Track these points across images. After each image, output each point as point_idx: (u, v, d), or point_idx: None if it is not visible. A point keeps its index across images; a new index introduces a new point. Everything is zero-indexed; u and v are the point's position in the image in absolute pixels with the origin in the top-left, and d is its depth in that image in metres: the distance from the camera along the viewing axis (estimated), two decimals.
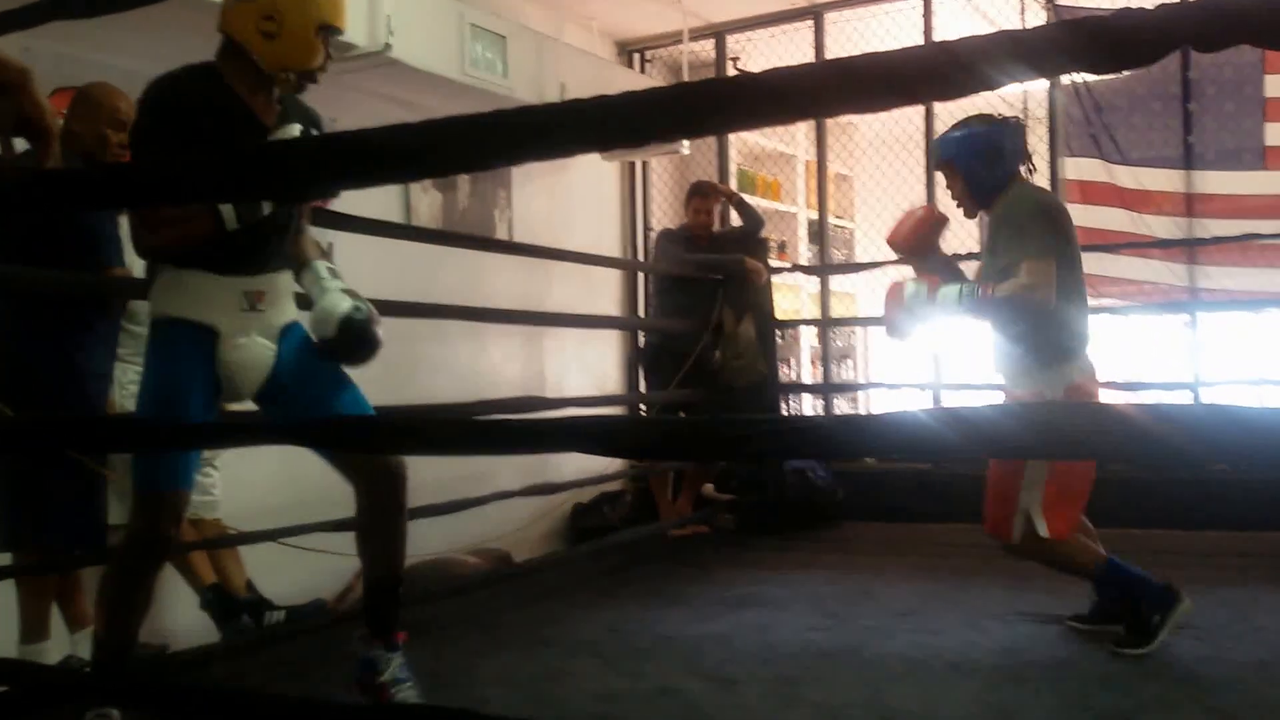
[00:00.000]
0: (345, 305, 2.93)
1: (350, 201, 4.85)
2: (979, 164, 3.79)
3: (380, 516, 3.12)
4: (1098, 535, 4.00)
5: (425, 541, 5.08)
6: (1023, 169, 3.83)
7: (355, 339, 2.94)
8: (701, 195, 6.47)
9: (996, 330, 3.75)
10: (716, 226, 6.69)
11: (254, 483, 4.62)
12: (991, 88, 1.51)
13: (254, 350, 2.89)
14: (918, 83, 1.52)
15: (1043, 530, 3.65)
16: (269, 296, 2.93)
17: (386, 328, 4.65)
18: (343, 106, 5.22)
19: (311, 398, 3.01)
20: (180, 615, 4.37)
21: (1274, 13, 1.24)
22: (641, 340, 7.11)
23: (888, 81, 1.54)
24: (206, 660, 3.73)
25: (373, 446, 2.38)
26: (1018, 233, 3.60)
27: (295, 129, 2.98)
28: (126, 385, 4.00)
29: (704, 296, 6.39)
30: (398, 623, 3.11)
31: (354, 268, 5.33)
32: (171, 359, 2.84)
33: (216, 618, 4.15)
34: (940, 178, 4.01)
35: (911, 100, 1.62)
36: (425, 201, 5.96)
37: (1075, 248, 3.74)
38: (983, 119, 3.94)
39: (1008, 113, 7.08)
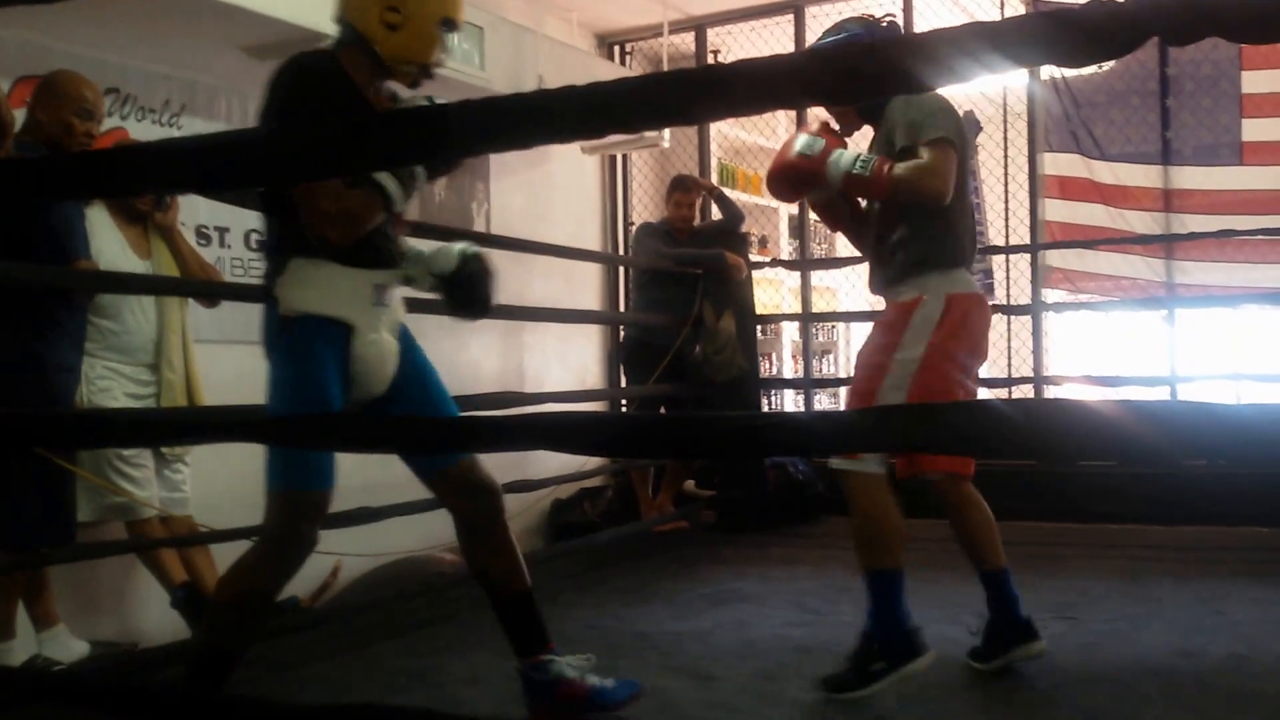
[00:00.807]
0: (461, 245, 2.95)
1: None
2: None
3: (489, 534, 3.11)
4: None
5: (400, 539, 5.06)
6: None
7: (474, 274, 2.91)
8: (683, 189, 6.44)
9: (880, 225, 3.32)
10: (697, 221, 6.67)
11: (224, 479, 4.57)
12: (967, 78, 1.51)
13: (384, 346, 2.84)
14: (894, 73, 1.50)
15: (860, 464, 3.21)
16: (391, 291, 2.88)
17: None
18: None
19: (423, 400, 3.00)
20: (151, 614, 4.33)
21: (1244, 6, 1.23)
22: (622, 335, 7.08)
23: (864, 72, 1.53)
24: (177, 659, 3.68)
25: (333, 445, 2.33)
26: (921, 120, 3.16)
27: None
28: (95, 380, 3.96)
29: (684, 291, 6.37)
30: (545, 627, 3.07)
31: None
32: (309, 356, 2.74)
33: (188, 616, 4.11)
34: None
35: (890, 90, 1.61)
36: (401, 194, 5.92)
37: (967, 157, 3.31)
38: (860, 20, 3.39)
39: (989, 109, 7.14)
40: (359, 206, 2.66)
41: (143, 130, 4.61)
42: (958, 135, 3.19)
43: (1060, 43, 1.35)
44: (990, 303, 6.85)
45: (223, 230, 4.94)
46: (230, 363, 4.74)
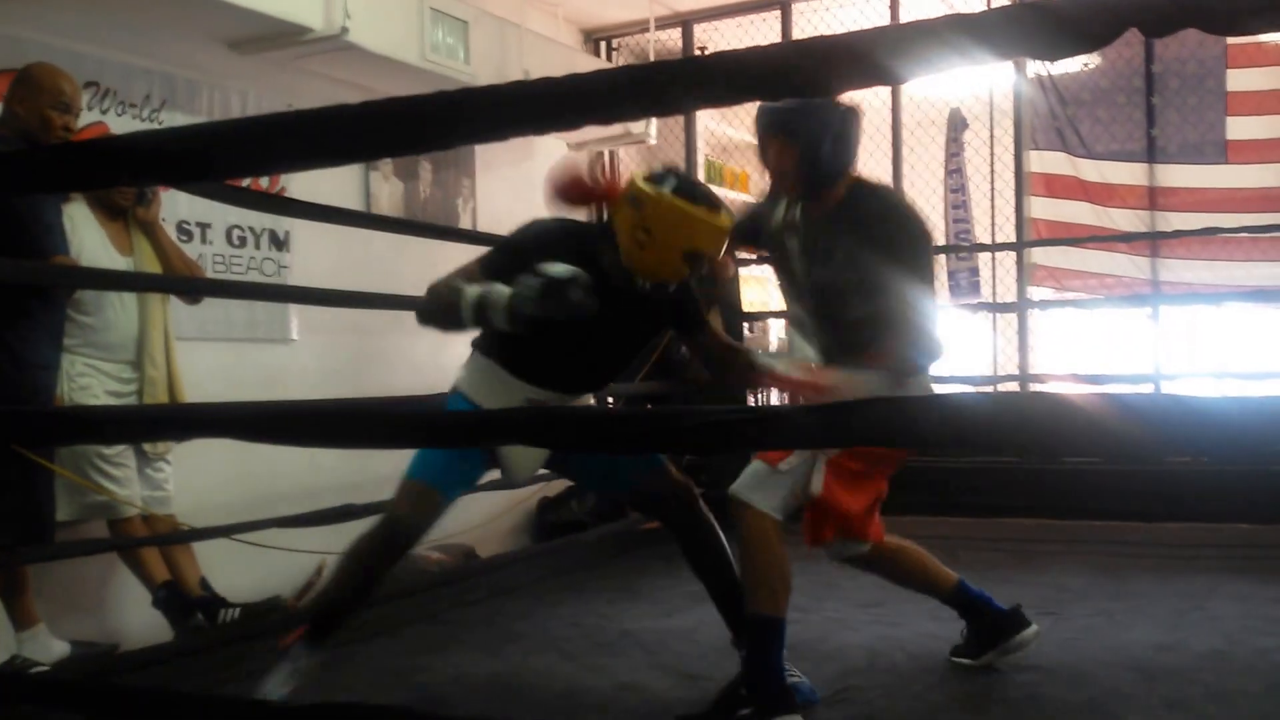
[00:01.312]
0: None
1: (308, 189, 4.80)
2: (825, 143, 3.03)
3: (694, 541, 3.25)
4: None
5: None
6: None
7: (554, 288, 2.70)
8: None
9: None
10: None
11: (207, 479, 4.56)
12: (945, 70, 1.50)
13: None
14: (878, 63, 1.50)
15: (816, 487, 3.12)
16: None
17: (345, 318, 4.61)
18: (299, 92, 5.18)
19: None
20: (132, 614, 4.30)
21: None
22: None
23: (842, 62, 1.52)
24: (159, 660, 3.66)
25: (307, 440, 2.31)
26: (891, 251, 3.00)
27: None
28: (75, 377, 3.93)
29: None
30: None
31: (311, 257, 5.30)
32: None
33: (170, 616, 4.08)
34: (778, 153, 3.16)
35: (872, 81, 1.60)
36: (386, 190, 5.90)
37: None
38: (825, 100, 3.10)
39: (976, 107, 7.14)
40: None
41: (122, 125, 4.58)
42: (931, 260, 3.10)
43: (1038, 34, 1.35)
44: (976, 300, 6.90)
45: (204, 226, 4.91)
46: (210, 360, 4.73)
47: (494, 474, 4.93)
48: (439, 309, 2.89)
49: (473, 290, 2.73)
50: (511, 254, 2.94)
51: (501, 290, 2.70)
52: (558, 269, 2.68)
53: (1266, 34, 5.65)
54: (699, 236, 2.83)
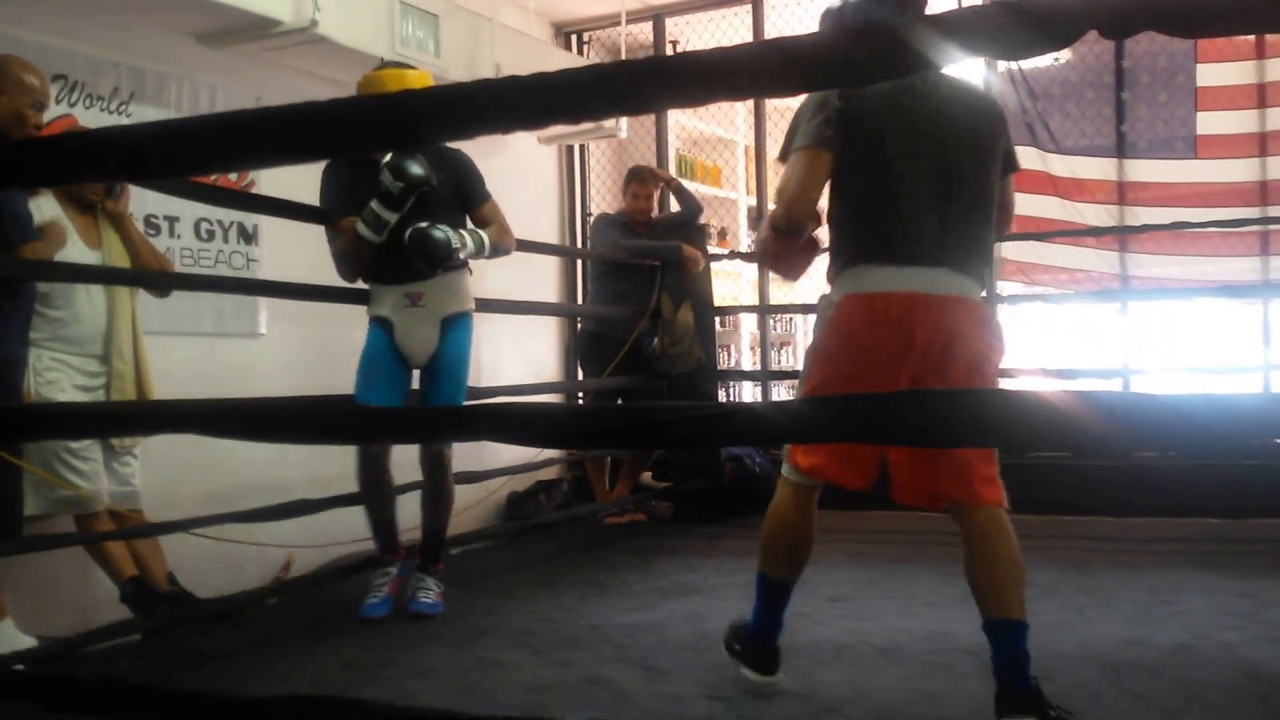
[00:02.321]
0: (429, 226, 3.91)
1: (278, 184, 4.77)
2: None
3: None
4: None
5: (352, 532, 5.02)
6: None
7: (416, 240, 3.89)
8: (640, 180, 6.43)
9: (977, 234, 2.97)
10: (655, 212, 6.66)
11: (175, 473, 4.53)
12: (915, 70, 1.52)
13: (415, 334, 4.14)
14: (842, 64, 1.51)
15: (788, 471, 3.07)
16: (428, 295, 4.11)
17: (315, 311, 4.59)
18: (268, 85, 5.15)
19: (429, 386, 4.22)
20: (101, 609, 4.26)
21: (1180, 1, 1.24)
22: (578, 328, 7.05)
23: (812, 63, 1.53)
24: (125, 654, 3.65)
25: (266, 436, 2.30)
26: (789, 135, 2.97)
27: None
28: (43, 372, 3.90)
29: (641, 283, 6.36)
30: None
31: (280, 250, 5.27)
32: (370, 340, 4.19)
33: (137, 611, 4.06)
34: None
35: (843, 81, 1.61)
36: None
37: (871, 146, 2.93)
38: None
39: None
40: (343, 251, 4.10)
41: (91, 118, 4.54)
42: (823, 137, 2.85)
43: (1002, 33, 1.36)
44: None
45: (172, 220, 4.88)
46: (178, 355, 4.70)
47: (462, 466, 4.97)
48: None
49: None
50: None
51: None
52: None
53: (1243, 34, 5.69)
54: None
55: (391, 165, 3.84)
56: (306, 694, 2.53)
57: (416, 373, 4.33)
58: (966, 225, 2.87)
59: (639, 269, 6.37)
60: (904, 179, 2.85)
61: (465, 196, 4.15)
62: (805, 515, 3.06)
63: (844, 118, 2.84)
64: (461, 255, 4.03)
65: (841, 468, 2.95)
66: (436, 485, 4.32)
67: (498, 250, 4.22)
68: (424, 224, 3.88)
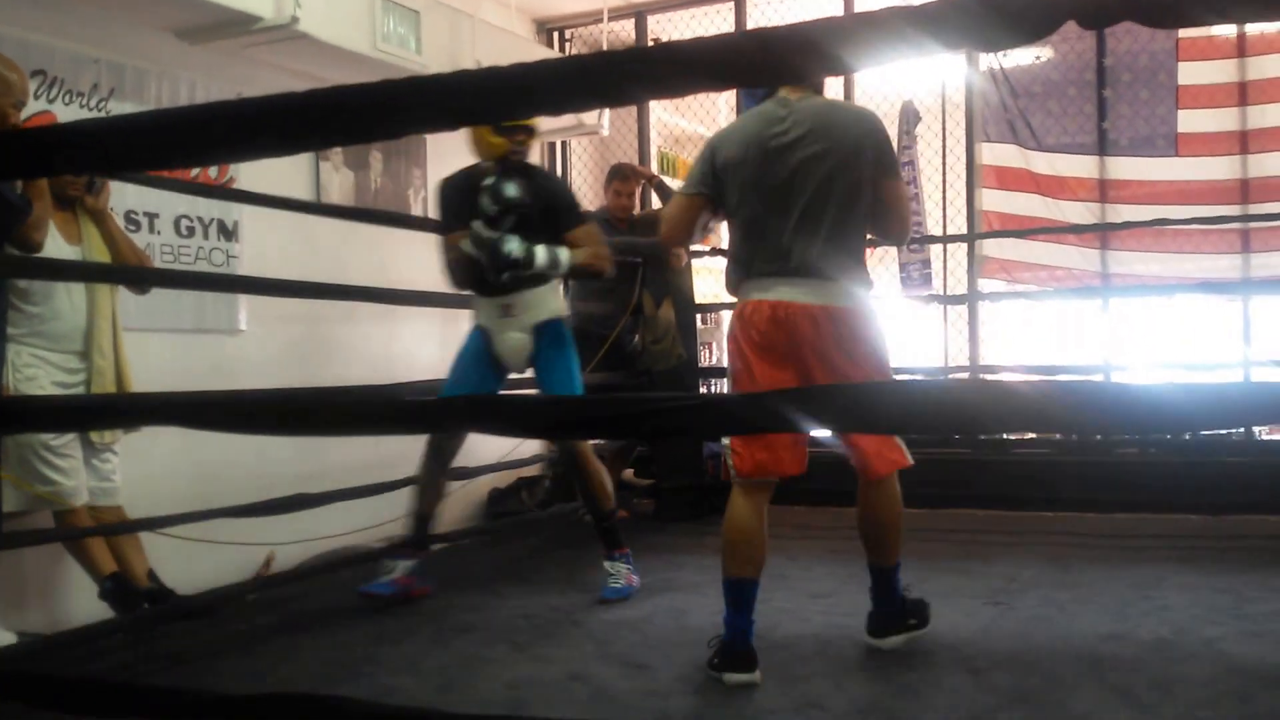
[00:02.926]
0: (499, 237, 4.13)
1: (257, 179, 4.76)
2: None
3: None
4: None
5: (334, 528, 5.01)
6: None
7: (488, 251, 4.14)
8: (621, 178, 6.42)
9: (838, 245, 3.36)
10: (636, 210, 6.64)
11: (155, 470, 4.51)
12: (891, 60, 1.52)
13: (512, 341, 4.45)
14: (826, 52, 1.51)
15: (736, 478, 3.40)
16: (518, 306, 4.41)
17: (295, 308, 4.57)
18: (249, 82, 5.13)
19: (540, 379, 4.55)
20: (81, 605, 4.24)
21: None
22: None
23: (788, 53, 1.53)
24: (105, 651, 3.63)
25: (247, 428, 2.29)
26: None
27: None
28: (21, 368, 3.88)
29: (622, 279, 6.34)
30: None
31: (260, 247, 5.26)
32: (466, 342, 4.56)
33: (116, 608, 4.04)
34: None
35: (821, 71, 1.61)
36: (336, 180, 5.85)
37: (731, 188, 3.46)
38: None
39: (929, 100, 7.17)
40: (451, 263, 4.40)
41: (70, 114, 4.51)
42: (699, 181, 3.43)
43: (980, 24, 1.36)
44: (928, 292, 6.94)
45: (152, 216, 4.86)
46: (158, 351, 4.68)
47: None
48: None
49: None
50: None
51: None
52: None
53: (1204, 27, 5.72)
54: None
55: (490, 188, 4.15)
56: (286, 691, 2.54)
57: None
58: (819, 238, 3.27)
59: (620, 266, 6.36)
60: (756, 209, 3.34)
61: (555, 220, 4.32)
62: (759, 515, 3.38)
63: (714, 166, 3.41)
64: (536, 267, 4.20)
65: (783, 459, 3.34)
66: (581, 480, 4.60)
67: (582, 270, 4.43)
68: (499, 235, 4.13)
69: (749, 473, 3.33)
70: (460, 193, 4.41)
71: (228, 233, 5.18)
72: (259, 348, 5.32)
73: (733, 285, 3.51)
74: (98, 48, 4.67)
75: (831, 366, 3.25)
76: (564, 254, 4.27)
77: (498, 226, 4.14)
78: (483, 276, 4.26)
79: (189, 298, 4.95)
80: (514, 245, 4.12)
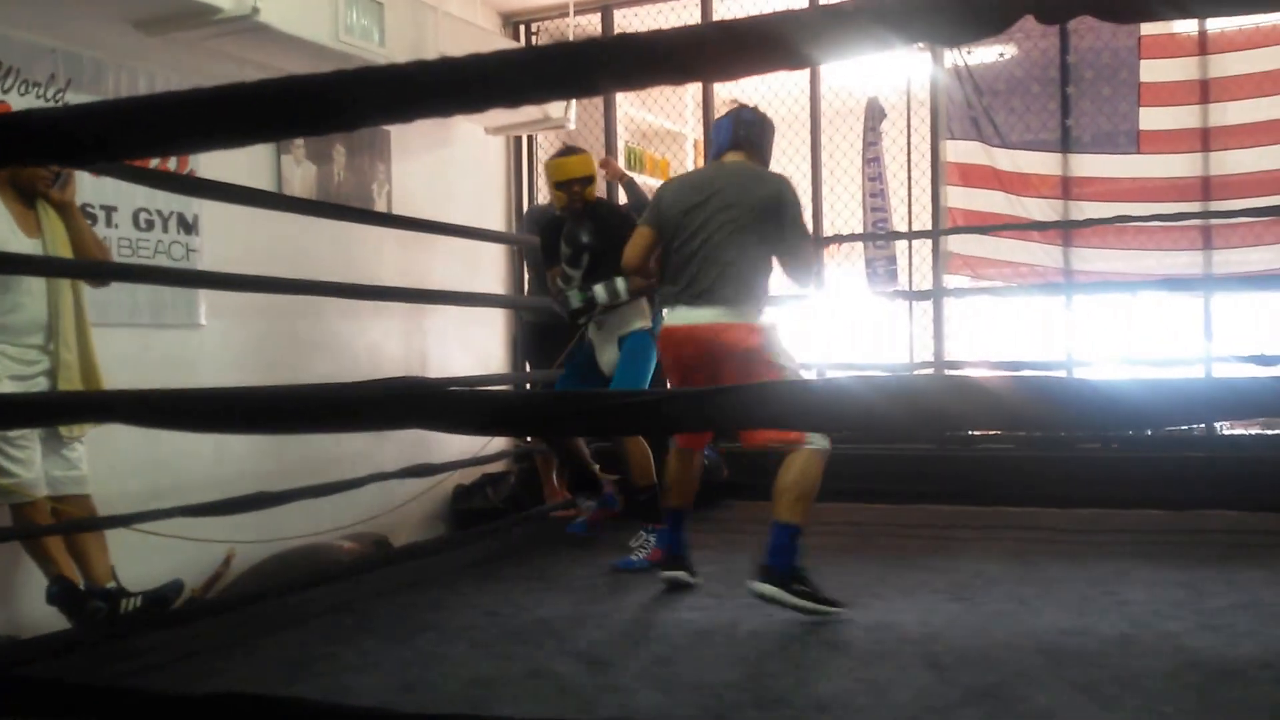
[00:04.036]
0: (565, 294, 5.03)
1: (218, 173, 4.70)
2: (767, 146, 4.41)
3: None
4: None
5: (297, 526, 4.97)
6: None
7: (560, 303, 5.04)
8: None
9: (750, 273, 4.17)
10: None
11: (114, 467, 4.46)
12: (853, 53, 1.51)
13: (603, 348, 5.19)
14: (787, 45, 1.49)
15: (672, 444, 4.50)
16: (607, 322, 5.14)
17: (256, 303, 4.52)
18: (209, 74, 5.08)
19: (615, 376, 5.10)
20: (38, 603, 4.18)
21: None
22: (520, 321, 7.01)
23: (752, 45, 1.51)
24: (61, 651, 3.57)
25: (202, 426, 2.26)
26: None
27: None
28: None
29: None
30: None
31: (221, 241, 5.20)
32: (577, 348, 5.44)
33: (65, 610, 3.98)
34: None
35: (782, 64, 1.59)
36: (298, 174, 5.80)
37: (678, 226, 4.30)
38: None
39: (894, 96, 7.18)
40: (554, 294, 5.21)
41: (25, 105, 4.44)
42: (651, 222, 4.34)
43: (942, 18, 1.35)
44: (893, 288, 6.95)
45: (110, 209, 4.80)
46: (115, 346, 4.62)
47: (408, 460, 4.93)
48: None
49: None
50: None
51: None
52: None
53: (1160, 22, 5.76)
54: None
55: (566, 236, 5.18)
56: (242, 691, 2.49)
57: None
58: (729, 275, 4.11)
59: None
60: (682, 248, 4.21)
61: (618, 250, 4.64)
62: (690, 467, 4.47)
63: (660, 209, 4.31)
64: (599, 305, 4.95)
65: (701, 436, 4.54)
66: (623, 453, 5.22)
67: (639, 292, 4.90)
68: (566, 291, 5.02)
69: (684, 444, 4.44)
70: (546, 231, 5.46)
71: (188, 226, 5.13)
72: (219, 343, 5.27)
73: (663, 301, 4.34)
74: (55, 38, 4.60)
75: (728, 374, 4.06)
76: (621, 284, 4.86)
77: (576, 265, 5.11)
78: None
79: (147, 292, 4.89)
80: (575, 298, 4.95)
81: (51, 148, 2.03)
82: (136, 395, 2.93)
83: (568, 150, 5.40)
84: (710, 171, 4.38)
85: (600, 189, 6.54)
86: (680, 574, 4.39)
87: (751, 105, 4.47)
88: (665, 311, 4.29)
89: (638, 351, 5.09)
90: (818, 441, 3.99)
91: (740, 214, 4.13)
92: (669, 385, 4.39)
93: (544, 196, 7.68)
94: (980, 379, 1.51)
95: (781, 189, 4.20)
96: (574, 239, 5.12)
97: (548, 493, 6.32)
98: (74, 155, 2.36)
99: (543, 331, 6.35)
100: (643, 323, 5.17)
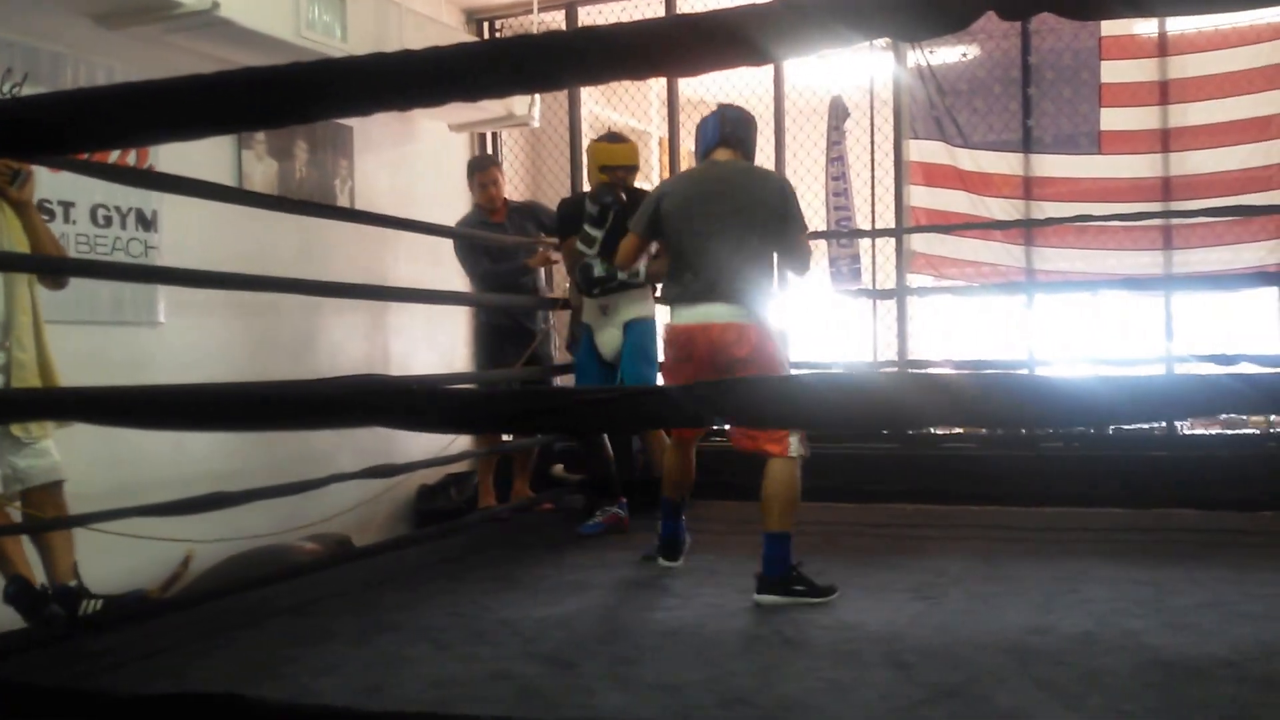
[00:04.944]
0: (590, 259, 5.11)
1: (177, 169, 4.65)
2: (752, 143, 4.56)
3: None
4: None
5: (259, 526, 4.92)
6: None
7: (580, 271, 5.16)
8: (481, 169, 6.35)
9: (752, 272, 4.31)
10: (503, 197, 6.55)
11: (73, 466, 4.39)
12: (819, 48, 1.50)
13: (608, 335, 5.41)
14: (748, 39, 1.49)
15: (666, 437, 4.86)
16: (612, 306, 5.39)
17: (217, 300, 4.46)
18: (168, 68, 4.95)
19: (622, 363, 5.34)
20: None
21: None
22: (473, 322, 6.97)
23: (715, 40, 1.50)
24: (17, 652, 3.52)
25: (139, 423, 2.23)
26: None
27: None
28: None
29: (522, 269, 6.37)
30: None
31: (180, 237, 5.15)
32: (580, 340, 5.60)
33: (21, 610, 3.92)
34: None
35: (743, 59, 1.59)
36: (260, 169, 5.75)
37: (677, 227, 4.49)
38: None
39: (857, 96, 7.19)
40: (570, 266, 5.41)
41: None
42: (643, 224, 4.54)
43: (900, 14, 1.35)
44: (857, 286, 6.97)
45: (68, 205, 4.74)
46: (73, 344, 4.56)
47: (371, 459, 4.89)
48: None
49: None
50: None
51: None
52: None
53: (1119, 20, 5.80)
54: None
55: (590, 194, 5.30)
56: (200, 691, 2.46)
57: None
58: (733, 273, 4.25)
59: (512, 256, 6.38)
60: (686, 248, 4.36)
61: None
62: (686, 459, 4.73)
63: (659, 211, 4.45)
64: (619, 279, 5.02)
65: (690, 430, 4.66)
66: (646, 444, 5.71)
67: (656, 276, 4.95)
68: (590, 252, 5.11)
69: (678, 437, 4.70)
70: (574, 207, 5.57)
71: (146, 223, 5.07)
72: (179, 341, 5.21)
73: (667, 300, 4.52)
74: (11, 30, 4.54)
75: (729, 371, 4.18)
76: (642, 265, 4.91)
77: (601, 224, 5.10)
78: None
79: (106, 289, 4.84)
80: (599, 266, 5.02)
81: (4, 140, 1.99)
82: (88, 393, 2.90)
83: (616, 137, 5.60)
84: (708, 170, 4.47)
85: (501, 186, 6.58)
86: (678, 562, 4.74)
87: (730, 104, 4.66)
88: (670, 310, 4.47)
89: (647, 343, 5.37)
90: (796, 449, 4.13)
91: (744, 212, 4.28)
92: (666, 376, 4.63)
93: (509, 195, 7.67)
94: (941, 375, 1.51)
95: (783, 186, 4.44)
96: (599, 197, 5.20)
97: (482, 497, 6.27)
98: (28, 148, 2.32)
99: (501, 333, 6.31)
100: (648, 312, 5.40)
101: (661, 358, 4.72)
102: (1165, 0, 1.31)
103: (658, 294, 5.25)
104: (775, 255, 4.42)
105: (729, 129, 4.44)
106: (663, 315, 4.84)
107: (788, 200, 4.36)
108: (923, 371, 6.38)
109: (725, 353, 4.19)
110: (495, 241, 6.22)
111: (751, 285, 4.26)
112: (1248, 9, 1.31)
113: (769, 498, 4.09)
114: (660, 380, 4.88)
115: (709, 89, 7.43)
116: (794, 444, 4.13)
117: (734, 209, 4.29)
